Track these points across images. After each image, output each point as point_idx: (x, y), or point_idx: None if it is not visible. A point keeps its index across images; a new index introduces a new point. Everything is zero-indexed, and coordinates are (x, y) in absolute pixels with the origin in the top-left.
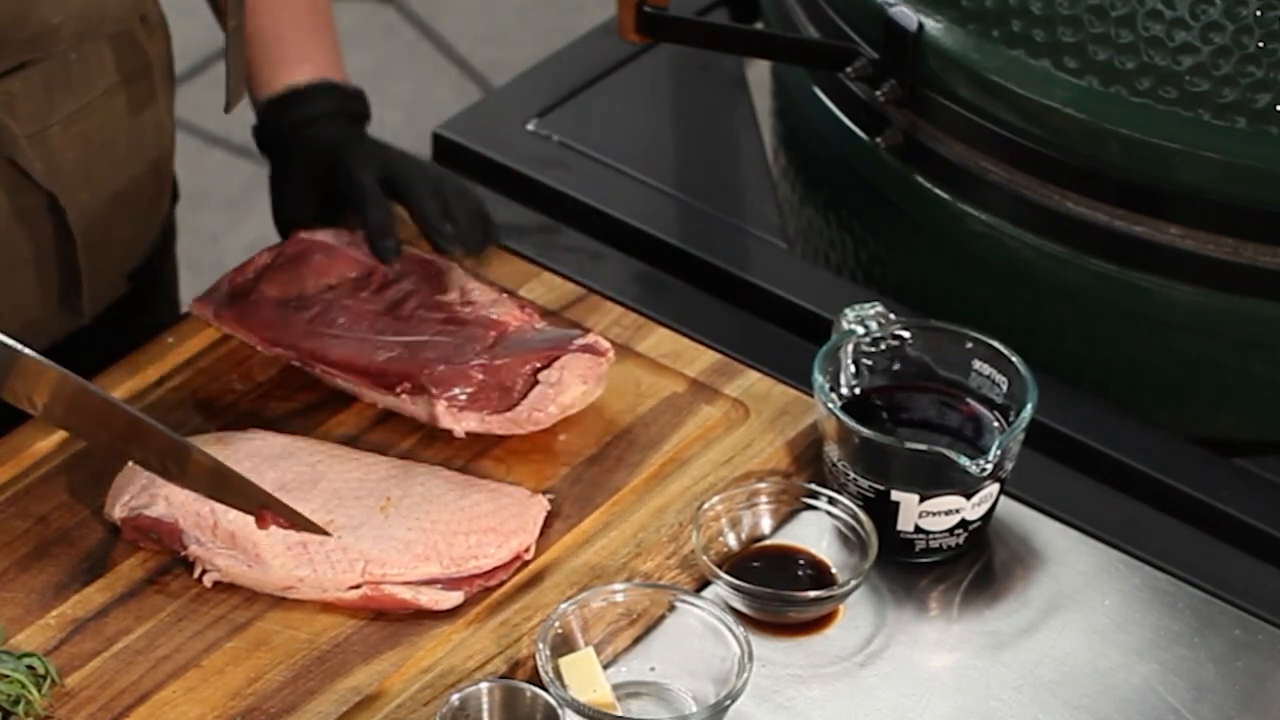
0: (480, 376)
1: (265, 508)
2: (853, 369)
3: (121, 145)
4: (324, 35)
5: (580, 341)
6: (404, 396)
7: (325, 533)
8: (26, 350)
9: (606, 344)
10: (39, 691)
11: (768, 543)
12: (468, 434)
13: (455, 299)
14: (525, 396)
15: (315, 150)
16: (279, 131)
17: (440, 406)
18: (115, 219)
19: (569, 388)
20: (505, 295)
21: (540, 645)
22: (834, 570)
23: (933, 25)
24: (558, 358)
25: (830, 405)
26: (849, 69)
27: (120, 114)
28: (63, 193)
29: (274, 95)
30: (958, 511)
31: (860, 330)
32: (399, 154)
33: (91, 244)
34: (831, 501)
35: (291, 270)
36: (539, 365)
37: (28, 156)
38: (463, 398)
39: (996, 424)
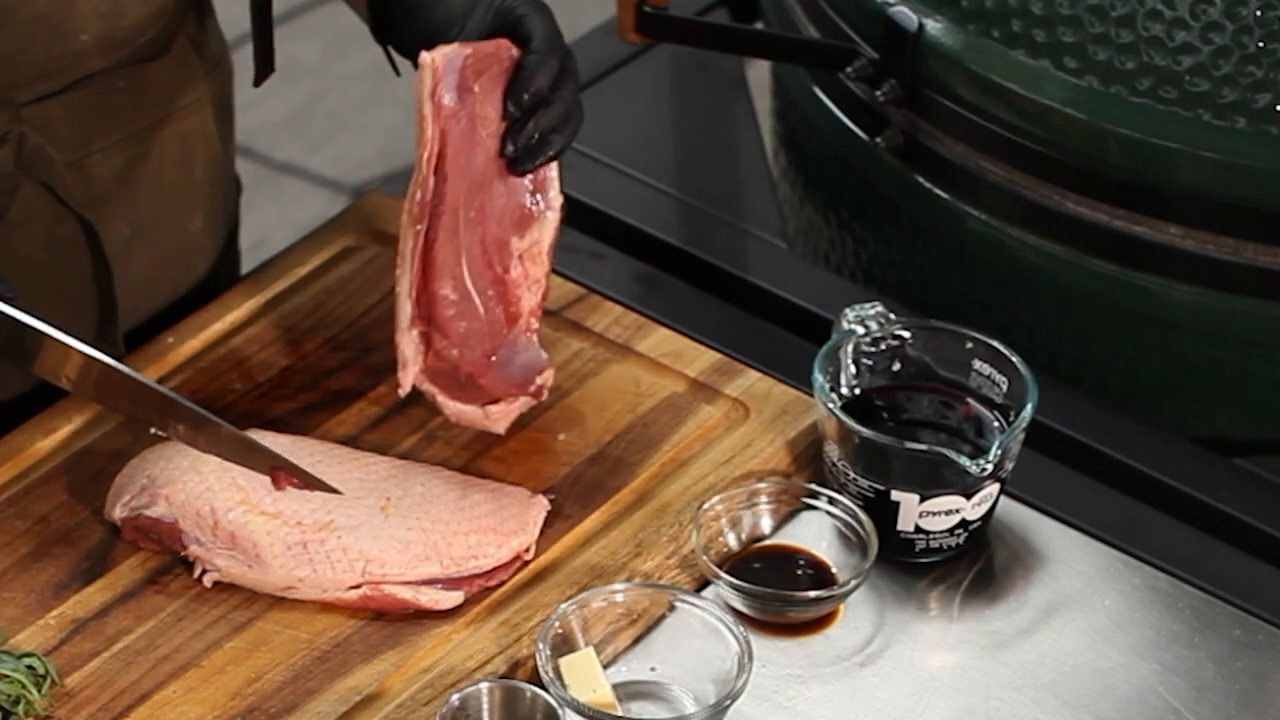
0: (461, 382)
1: (278, 468)
2: (853, 369)
3: (168, 180)
4: None
5: (533, 388)
6: (414, 332)
7: (338, 491)
8: (52, 331)
9: (547, 390)
10: (39, 691)
11: (768, 543)
12: (468, 433)
13: (524, 246)
14: (466, 404)
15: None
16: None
17: (413, 370)
18: (158, 254)
19: (497, 425)
20: (547, 276)
21: (540, 645)
22: (834, 570)
23: (933, 25)
24: (512, 400)
25: (830, 405)
26: (849, 69)
27: (169, 148)
28: (100, 222)
29: None
30: (958, 511)
31: (860, 330)
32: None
33: (129, 278)
34: (831, 501)
35: (498, 84)
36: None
37: (65, 183)
38: (434, 383)
39: (996, 424)
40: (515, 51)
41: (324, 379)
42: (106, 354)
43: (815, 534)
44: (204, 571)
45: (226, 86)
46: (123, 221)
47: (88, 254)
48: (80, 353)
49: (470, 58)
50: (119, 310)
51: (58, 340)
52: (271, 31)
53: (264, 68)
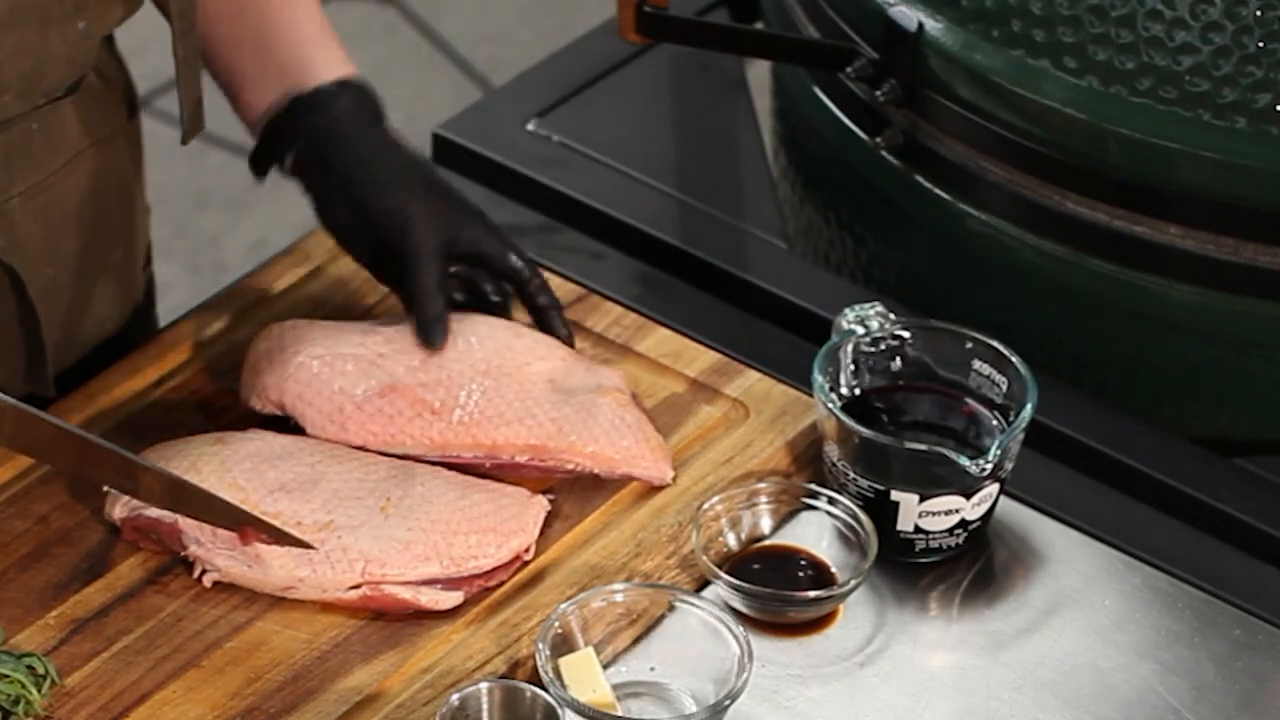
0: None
1: (244, 524)
2: (853, 369)
3: (86, 216)
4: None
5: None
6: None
7: (309, 546)
8: None
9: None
10: (39, 691)
11: (768, 543)
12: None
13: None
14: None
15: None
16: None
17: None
18: (81, 292)
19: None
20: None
21: (540, 645)
22: (834, 570)
23: (933, 25)
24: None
25: (830, 405)
26: (849, 69)
27: (84, 184)
28: (24, 267)
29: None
30: (958, 511)
31: (860, 330)
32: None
33: (55, 319)
34: (831, 501)
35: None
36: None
37: None
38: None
39: (996, 424)
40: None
41: None
42: (38, 397)
43: (815, 534)
44: (204, 571)
45: (133, 114)
46: (46, 264)
47: (13, 299)
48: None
49: None
50: (48, 352)
51: None
52: (200, 88)
53: (193, 125)
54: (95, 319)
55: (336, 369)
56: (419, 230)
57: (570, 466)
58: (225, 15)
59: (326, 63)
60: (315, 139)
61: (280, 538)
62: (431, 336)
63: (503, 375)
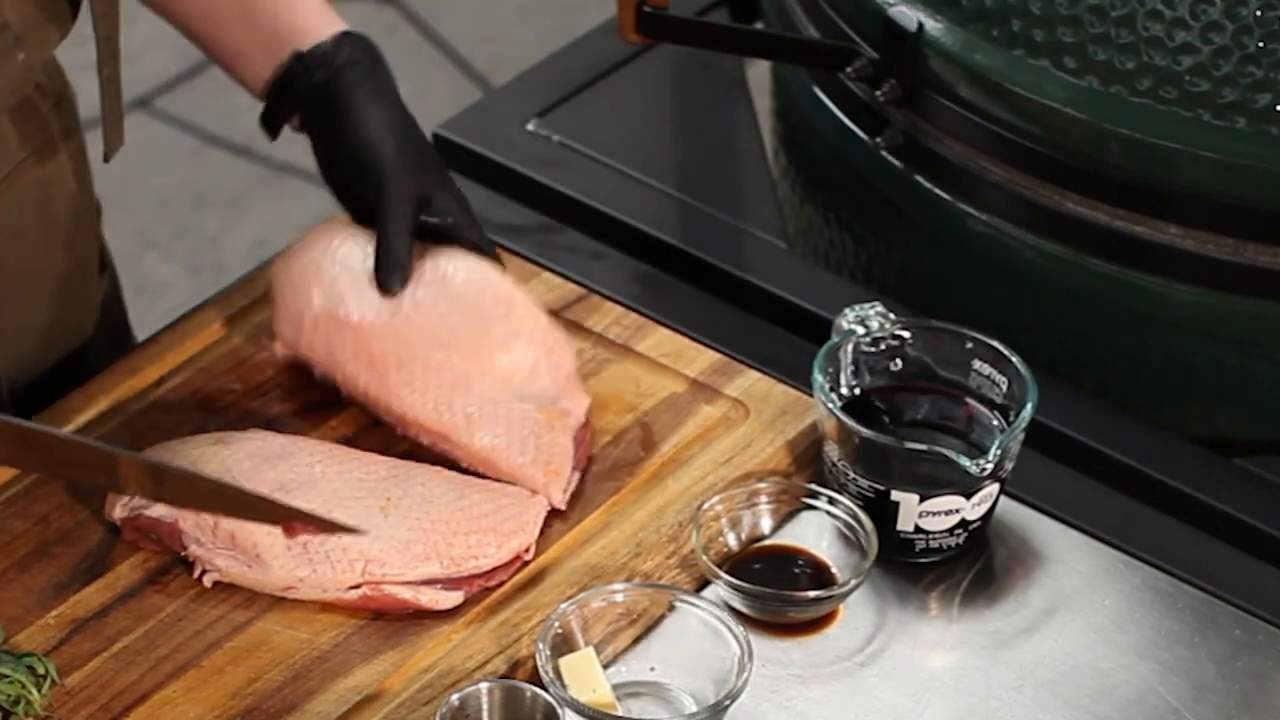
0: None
1: (289, 520)
2: (853, 369)
3: (32, 228)
4: None
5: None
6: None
7: (360, 531)
8: None
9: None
10: (39, 691)
11: (768, 543)
12: None
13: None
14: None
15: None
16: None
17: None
18: (32, 305)
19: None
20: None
21: (540, 645)
22: (834, 570)
23: (933, 25)
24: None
25: (830, 405)
26: (849, 69)
27: (28, 196)
28: None
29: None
30: (958, 511)
31: (860, 330)
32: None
33: (9, 334)
34: (831, 501)
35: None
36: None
37: None
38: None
39: (996, 424)
40: None
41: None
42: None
43: (815, 534)
44: (204, 571)
45: (73, 116)
46: None
47: None
48: None
49: None
50: (1, 371)
51: None
52: (120, 106)
53: (113, 141)
54: (47, 334)
55: (323, 277)
56: (392, 178)
57: (464, 465)
58: None
59: (317, 22)
60: (319, 95)
61: (328, 528)
62: (390, 280)
63: (461, 355)
